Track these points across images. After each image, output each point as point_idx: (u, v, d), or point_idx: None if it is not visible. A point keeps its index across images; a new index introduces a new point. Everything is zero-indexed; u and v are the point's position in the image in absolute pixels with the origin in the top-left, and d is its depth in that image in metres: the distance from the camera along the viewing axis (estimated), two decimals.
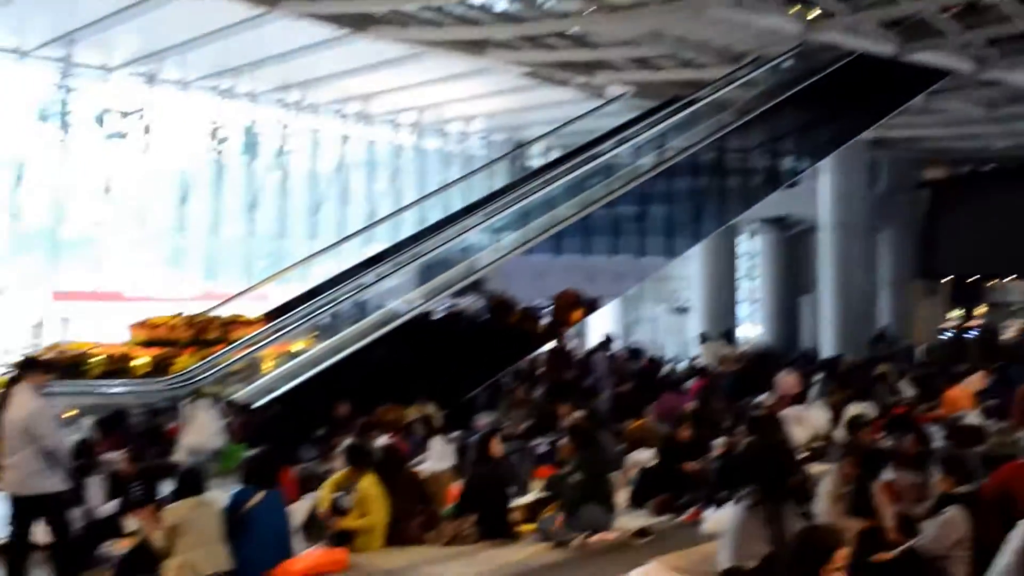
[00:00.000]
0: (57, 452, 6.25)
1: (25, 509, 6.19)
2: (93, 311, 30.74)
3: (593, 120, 21.29)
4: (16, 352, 25.00)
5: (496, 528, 7.47)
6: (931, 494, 6.11)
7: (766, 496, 5.19)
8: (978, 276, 27.09)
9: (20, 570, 6.15)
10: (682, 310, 31.49)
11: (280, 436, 11.62)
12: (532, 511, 7.90)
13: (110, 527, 7.16)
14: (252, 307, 18.25)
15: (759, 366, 16.22)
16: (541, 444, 10.97)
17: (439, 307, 14.93)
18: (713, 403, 11.72)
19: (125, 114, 20.92)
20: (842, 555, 3.79)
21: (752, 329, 28.73)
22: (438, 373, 13.38)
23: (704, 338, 18.69)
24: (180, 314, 15.90)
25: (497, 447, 8.11)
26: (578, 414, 11.33)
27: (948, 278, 27.04)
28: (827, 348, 21.19)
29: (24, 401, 6.23)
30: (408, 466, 8.24)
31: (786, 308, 25.93)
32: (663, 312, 31.89)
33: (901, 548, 5.60)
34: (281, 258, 24.99)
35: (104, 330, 24.54)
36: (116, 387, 12.51)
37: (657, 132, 17.55)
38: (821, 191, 21.60)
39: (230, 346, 14.30)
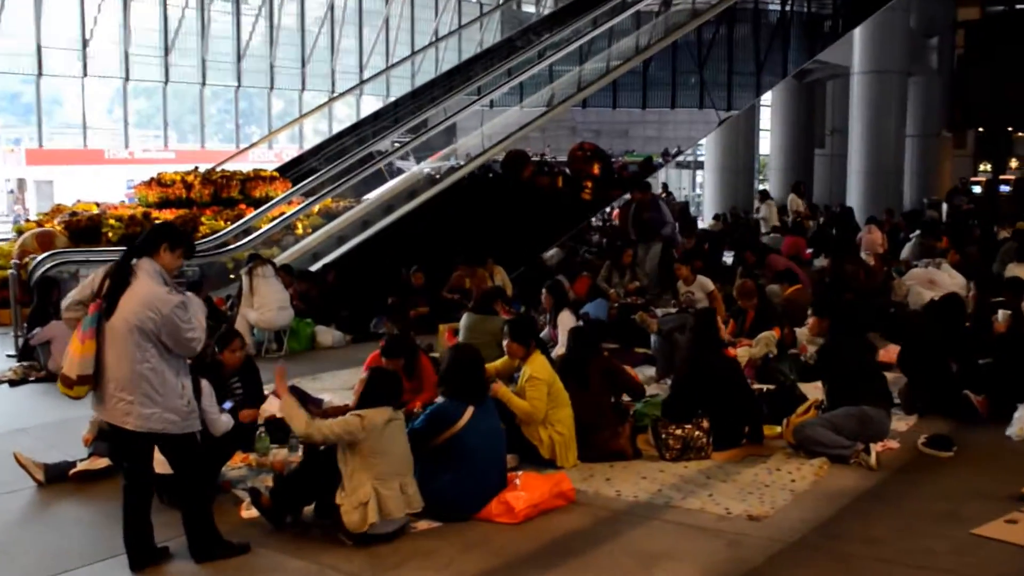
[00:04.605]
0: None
1: (131, 444, 3.81)
2: (72, 173, 27.33)
3: None
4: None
5: (732, 435, 5.36)
6: None
7: None
8: (1009, 128, 24.62)
9: (139, 508, 3.86)
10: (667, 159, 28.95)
11: (350, 307, 9.53)
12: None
13: (231, 443, 5.00)
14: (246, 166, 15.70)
15: (832, 223, 14.23)
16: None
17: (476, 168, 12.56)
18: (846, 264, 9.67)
19: None
20: None
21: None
22: (494, 236, 11.10)
23: (765, 195, 16.56)
24: (195, 169, 13.22)
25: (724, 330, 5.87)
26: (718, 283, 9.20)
27: (976, 129, 24.63)
28: (854, 203, 19.27)
29: (147, 288, 3.76)
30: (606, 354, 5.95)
31: (799, 163, 23.66)
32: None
33: None
34: (272, 112, 22.13)
35: (90, 192, 21.57)
36: None
37: None
38: (857, 31, 18.95)
39: (267, 206, 11.68)
